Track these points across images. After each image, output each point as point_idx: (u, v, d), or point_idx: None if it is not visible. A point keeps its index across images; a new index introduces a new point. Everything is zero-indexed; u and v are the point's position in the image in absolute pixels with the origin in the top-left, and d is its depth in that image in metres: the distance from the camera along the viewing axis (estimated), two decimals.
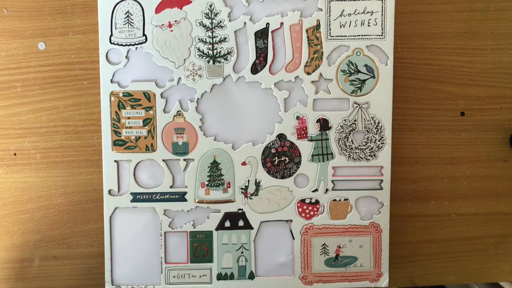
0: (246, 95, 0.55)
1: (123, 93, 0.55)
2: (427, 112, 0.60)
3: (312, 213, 0.56)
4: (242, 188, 0.56)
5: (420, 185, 0.60)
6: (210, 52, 0.54)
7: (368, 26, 0.54)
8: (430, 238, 0.61)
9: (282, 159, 0.56)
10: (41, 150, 0.59)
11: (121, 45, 0.54)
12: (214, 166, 0.56)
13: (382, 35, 0.54)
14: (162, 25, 0.54)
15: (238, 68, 0.55)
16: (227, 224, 0.56)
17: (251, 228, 0.56)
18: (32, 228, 0.59)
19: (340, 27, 0.54)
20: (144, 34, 0.54)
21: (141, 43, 0.54)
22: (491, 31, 0.59)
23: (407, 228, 0.61)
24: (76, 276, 0.60)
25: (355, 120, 0.55)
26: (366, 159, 0.56)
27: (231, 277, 0.57)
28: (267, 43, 0.55)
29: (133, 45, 0.54)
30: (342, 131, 0.55)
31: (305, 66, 0.55)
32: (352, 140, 0.56)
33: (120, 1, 0.54)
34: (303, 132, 0.55)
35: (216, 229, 0.56)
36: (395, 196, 0.59)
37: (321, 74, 0.55)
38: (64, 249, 0.60)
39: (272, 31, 0.54)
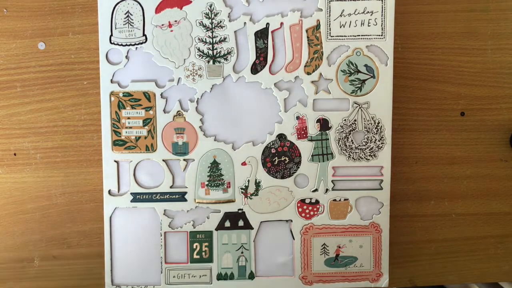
0: (246, 95, 0.55)
1: (123, 93, 0.55)
2: (427, 112, 0.60)
3: (312, 213, 0.56)
4: (242, 188, 0.56)
5: (420, 185, 0.61)
6: (210, 52, 0.54)
7: (368, 26, 0.54)
8: (430, 238, 0.61)
9: (282, 159, 0.56)
10: (41, 150, 0.59)
11: (121, 45, 0.54)
12: (214, 166, 0.56)
13: (382, 35, 0.54)
14: (162, 25, 0.54)
15: (238, 68, 0.55)
16: (227, 224, 0.56)
17: (251, 228, 0.56)
18: (32, 228, 0.59)
19: (340, 27, 0.54)
20: (144, 34, 0.54)
21: (141, 43, 0.54)
22: (491, 31, 0.59)
23: (407, 228, 0.61)
24: (76, 276, 0.60)
25: (355, 120, 0.55)
26: (366, 159, 0.56)
27: (231, 277, 0.57)
28: (267, 43, 0.55)
29: (133, 45, 0.54)
30: (342, 131, 0.55)
31: (305, 66, 0.55)
32: (352, 140, 0.56)
33: (120, 1, 0.54)
34: (303, 132, 0.55)
35: (216, 229, 0.56)
36: (395, 196, 0.60)
37: (321, 74, 0.55)
38: (64, 249, 0.60)
39: (272, 31, 0.54)
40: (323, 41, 0.54)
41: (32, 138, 0.58)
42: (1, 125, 0.58)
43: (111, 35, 0.54)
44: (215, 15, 0.54)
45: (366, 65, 0.55)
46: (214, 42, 0.54)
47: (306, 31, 0.54)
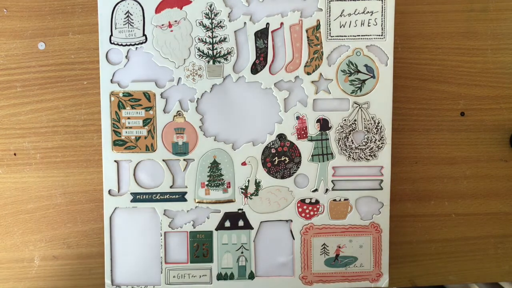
0: (246, 95, 0.55)
1: (123, 93, 0.55)
2: (427, 112, 0.60)
3: (312, 213, 0.56)
4: (242, 188, 0.56)
5: (420, 185, 0.60)
6: (210, 52, 0.54)
7: (368, 26, 0.54)
8: (430, 238, 0.61)
9: (282, 159, 0.56)
10: (41, 150, 0.59)
11: (121, 45, 0.54)
12: (214, 166, 0.56)
13: (382, 35, 0.54)
14: (162, 25, 0.54)
15: (238, 68, 0.55)
16: (227, 224, 0.56)
17: (251, 228, 0.56)
18: (32, 228, 0.59)
19: (340, 27, 0.54)
20: (144, 34, 0.54)
21: (141, 43, 0.54)
22: (491, 31, 0.59)
23: (407, 228, 0.61)
24: (76, 276, 0.60)
25: (355, 120, 0.55)
26: (366, 159, 0.56)
27: (231, 277, 0.57)
28: (267, 43, 0.55)
29: (133, 45, 0.54)
30: (342, 131, 0.55)
31: (305, 66, 0.55)
32: (352, 140, 0.56)
33: (120, 1, 0.54)
34: (303, 132, 0.55)
35: (216, 229, 0.56)
36: (395, 196, 0.60)
37: (321, 74, 0.55)
38: (64, 249, 0.60)
39: (272, 31, 0.54)
40: (323, 41, 0.54)
41: (32, 138, 0.58)
42: (1, 125, 0.58)
43: (111, 35, 0.54)
44: (215, 15, 0.54)
45: (366, 65, 0.55)
46: (214, 42, 0.54)
47: (306, 31, 0.54)
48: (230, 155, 0.55)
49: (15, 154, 0.59)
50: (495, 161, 0.61)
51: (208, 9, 0.54)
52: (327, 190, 0.56)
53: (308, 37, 0.54)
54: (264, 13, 0.54)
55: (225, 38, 0.54)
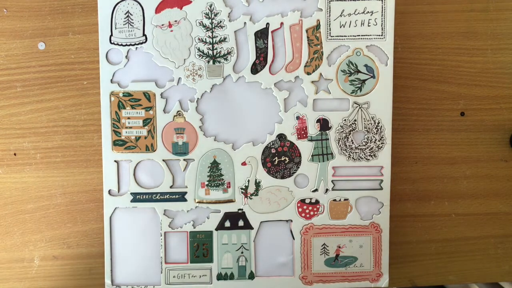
0: (246, 95, 0.55)
1: (123, 93, 0.55)
2: (427, 112, 0.60)
3: (312, 213, 0.56)
4: (242, 188, 0.56)
5: (420, 185, 0.61)
6: (210, 52, 0.54)
7: (368, 26, 0.54)
8: (430, 238, 0.61)
9: (282, 159, 0.56)
10: (41, 150, 0.59)
11: (121, 45, 0.54)
12: (214, 166, 0.56)
13: (382, 35, 0.54)
14: (162, 25, 0.54)
15: (238, 68, 0.55)
16: (227, 224, 0.56)
17: (251, 228, 0.56)
18: (32, 228, 0.59)
19: (340, 27, 0.54)
20: (144, 34, 0.54)
21: (141, 43, 0.54)
22: (491, 31, 0.59)
23: (407, 228, 0.61)
24: (76, 276, 0.60)
25: (355, 120, 0.55)
26: (366, 159, 0.56)
27: (231, 277, 0.57)
28: (267, 43, 0.55)
29: (133, 45, 0.54)
30: (342, 131, 0.55)
31: (305, 66, 0.55)
32: (352, 140, 0.56)
33: (120, 1, 0.54)
34: (303, 132, 0.55)
35: (216, 229, 0.56)
36: (395, 196, 0.60)
37: (321, 74, 0.55)
38: (64, 249, 0.60)
39: (272, 31, 0.54)
40: (323, 41, 0.54)
41: (32, 138, 0.58)
42: (1, 125, 0.58)
43: (111, 35, 0.54)
44: (215, 15, 0.54)
45: (366, 65, 0.55)
46: (214, 42, 0.54)
47: (306, 31, 0.54)
48: (230, 155, 0.55)
49: (15, 154, 0.59)
50: (495, 161, 0.61)
51: (208, 9, 0.54)
52: (327, 190, 0.56)
53: (308, 37, 0.54)
54: (264, 13, 0.54)
55: (225, 38, 0.54)
